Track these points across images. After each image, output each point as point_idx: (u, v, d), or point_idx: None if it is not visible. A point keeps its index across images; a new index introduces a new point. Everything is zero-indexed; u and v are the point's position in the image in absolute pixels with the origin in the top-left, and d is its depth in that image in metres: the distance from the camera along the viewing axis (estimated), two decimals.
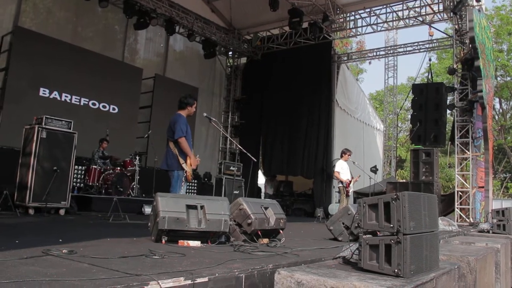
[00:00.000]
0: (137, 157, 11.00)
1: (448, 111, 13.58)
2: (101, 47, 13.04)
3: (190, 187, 13.26)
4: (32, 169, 7.20)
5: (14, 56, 10.83)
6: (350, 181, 9.98)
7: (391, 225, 2.76)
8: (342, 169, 10.08)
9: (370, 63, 35.88)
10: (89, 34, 13.09)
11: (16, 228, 5.35)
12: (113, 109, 13.03)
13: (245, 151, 6.80)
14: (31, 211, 7.21)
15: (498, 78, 29.65)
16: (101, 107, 12.71)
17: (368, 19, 14.83)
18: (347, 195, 9.93)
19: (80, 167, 10.56)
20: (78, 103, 12.12)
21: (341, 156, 10.32)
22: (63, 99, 11.75)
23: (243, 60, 18.06)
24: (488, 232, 8.78)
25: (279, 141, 16.41)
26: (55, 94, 11.58)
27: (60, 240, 3.81)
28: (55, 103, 11.49)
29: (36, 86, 11.18)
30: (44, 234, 4.87)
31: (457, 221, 11.61)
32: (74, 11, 12.61)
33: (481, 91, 11.27)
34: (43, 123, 7.44)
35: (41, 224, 5.95)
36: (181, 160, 5.52)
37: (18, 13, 11.28)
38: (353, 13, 15.04)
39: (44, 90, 11.34)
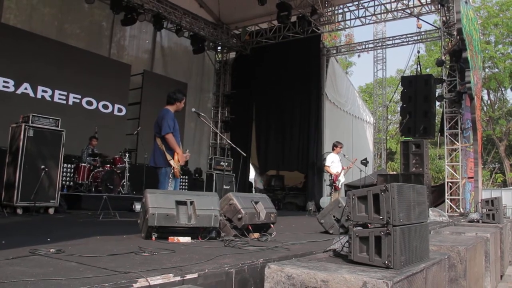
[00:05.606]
0: (127, 154, 10.93)
1: (437, 103, 13.65)
2: (87, 44, 12.89)
3: (181, 183, 13.20)
4: (20, 168, 7.10)
5: None
6: (339, 174, 9.98)
7: (381, 217, 2.75)
8: (332, 162, 10.08)
9: (359, 56, 35.90)
10: (75, 30, 12.93)
11: (3, 228, 5.27)
12: (102, 106, 12.92)
13: (234, 146, 6.77)
14: (19, 211, 7.11)
15: (486, 70, 29.90)
16: (89, 104, 12.59)
17: (356, 12, 14.84)
18: (335, 190, 9.91)
19: (69, 165, 10.45)
20: (66, 101, 11.99)
21: (333, 149, 10.31)
22: (50, 96, 11.62)
23: (232, 54, 17.96)
24: (478, 222, 8.85)
25: (272, 136, 16.38)
26: (42, 92, 11.44)
27: (48, 239, 3.75)
28: (42, 101, 11.36)
29: (22, 83, 11.02)
30: (32, 233, 4.80)
31: (447, 211, 11.70)
32: (59, 7, 12.46)
33: (469, 82, 11.33)
34: (30, 121, 7.32)
35: (29, 224, 5.86)
36: (168, 157, 5.48)
37: (1, 9, 11.09)
38: (341, 6, 15.03)
39: (30, 88, 11.18)
